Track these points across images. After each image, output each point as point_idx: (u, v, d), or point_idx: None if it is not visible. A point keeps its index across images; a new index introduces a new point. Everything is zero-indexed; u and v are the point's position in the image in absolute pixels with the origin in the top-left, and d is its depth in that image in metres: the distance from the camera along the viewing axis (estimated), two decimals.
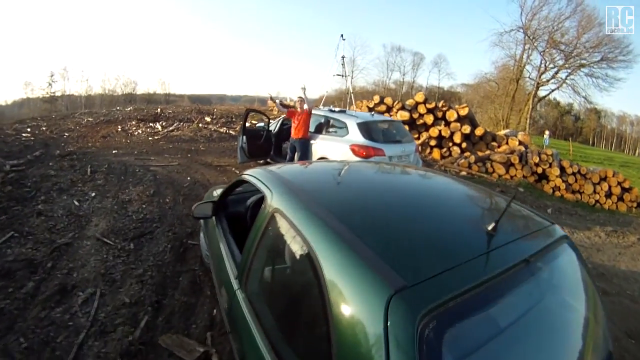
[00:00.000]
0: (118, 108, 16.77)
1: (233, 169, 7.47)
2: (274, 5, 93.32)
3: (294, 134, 6.53)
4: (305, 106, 6.39)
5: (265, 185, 1.98)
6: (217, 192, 3.28)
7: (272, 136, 7.52)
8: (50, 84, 33.35)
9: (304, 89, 6.47)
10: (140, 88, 44.28)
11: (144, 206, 5.00)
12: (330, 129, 6.54)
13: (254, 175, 2.23)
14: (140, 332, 2.74)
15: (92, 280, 3.32)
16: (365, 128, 6.06)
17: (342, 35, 11.61)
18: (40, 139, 8.71)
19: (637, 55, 26.30)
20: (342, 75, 11.85)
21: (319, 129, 6.70)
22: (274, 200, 1.78)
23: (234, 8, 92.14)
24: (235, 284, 1.96)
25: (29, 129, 9.84)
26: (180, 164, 7.37)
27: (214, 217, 2.83)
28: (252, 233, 1.89)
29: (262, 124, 8.18)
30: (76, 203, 4.89)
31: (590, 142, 52.16)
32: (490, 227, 1.37)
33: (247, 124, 7.55)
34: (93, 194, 5.27)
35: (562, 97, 32.64)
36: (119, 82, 42.64)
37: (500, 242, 1.35)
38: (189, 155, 8.48)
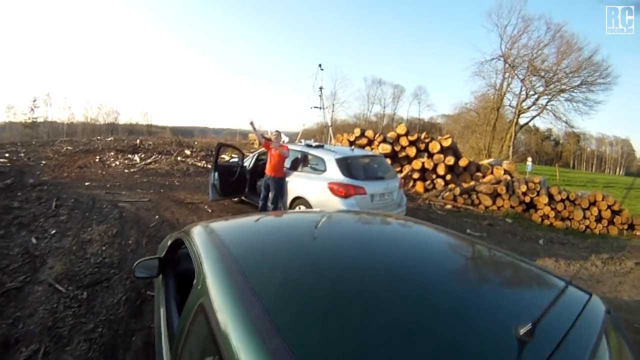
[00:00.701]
0: (99, 138, 16.59)
1: (205, 206, 7.04)
2: (259, 37, 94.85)
3: (268, 170, 6.15)
4: (283, 139, 6.09)
5: (197, 257, 1.59)
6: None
7: (247, 172, 7.13)
8: (32, 109, 32.94)
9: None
10: (122, 118, 44.14)
11: (104, 248, 4.62)
12: (307, 166, 6.12)
13: (190, 236, 1.84)
14: None
15: (38, 334, 3.00)
16: (345, 164, 5.67)
17: (320, 65, 11.46)
18: (17, 165, 8.53)
19: (617, 77, 27.08)
20: (320, 108, 11.60)
21: (295, 166, 6.29)
22: (201, 287, 1.38)
23: (218, 39, 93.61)
24: None
25: (7, 155, 9.63)
26: (151, 200, 6.95)
27: (160, 276, 2.40)
28: (181, 320, 1.49)
29: (236, 159, 7.77)
30: (34, 241, 4.60)
31: (571, 165, 53.05)
32: (523, 331, 0.90)
33: (225, 158, 7.18)
34: (53, 231, 4.97)
35: (543, 123, 33.24)
36: (101, 111, 42.56)
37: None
38: (162, 190, 8.06)
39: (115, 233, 5.11)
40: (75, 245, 4.65)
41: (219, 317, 1.13)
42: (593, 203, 10.33)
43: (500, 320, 1.05)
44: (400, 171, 11.62)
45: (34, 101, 33.57)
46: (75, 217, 5.62)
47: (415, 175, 11.51)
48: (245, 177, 7.08)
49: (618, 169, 57.68)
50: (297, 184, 5.99)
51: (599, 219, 10.29)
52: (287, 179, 6.15)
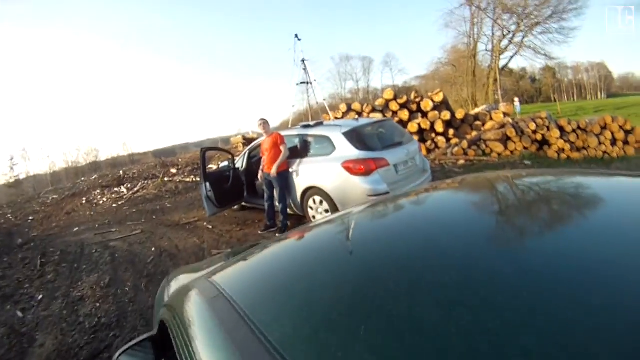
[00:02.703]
0: (83, 179, 15.83)
1: (205, 224, 6.23)
2: (218, 33, 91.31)
3: (266, 166, 5.26)
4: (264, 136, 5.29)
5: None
6: (182, 280, 1.76)
7: (241, 175, 6.27)
8: (12, 168, 31.66)
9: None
10: (103, 154, 43.06)
11: (98, 304, 3.87)
12: (311, 149, 5.23)
13: (172, 305, 1.14)
14: None
15: None
16: (355, 136, 4.82)
17: (296, 36, 10.35)
18: (4, 228, 7.90)
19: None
20: (308, 82, 10.52)
21: (296, 154, 5.36)
22: None
23: (178, 43, 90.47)
24: None
25: None
26: (144, 231, 6.18)
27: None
28: None
29: (225, 163, 6.87)
30: (20, 314, 3.90)
31: (552, 99, 52.80)
32: None
33: (212, 168, 6.27)
34: (40, 297, 4.25)
35: (525, 61, 32.69)
36: (80, 152, 41.49)
37: None
38: (154, 216, 7.27)
39: (108, 282, 4.33)
40: (66, 308, 3.89)
41: None
42: (604, 127, 9.83)
43: None
44: None
45: (12, 159, 32.31)
46: (62, 273, 4.85)
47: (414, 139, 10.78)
48: (241, 181, 6.23)
49: (599, 94, 58.01)
50: (306, 173, 5.11)
51: (613, 142, 9.80)
52: (290, 170, 5.27)
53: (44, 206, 10.00)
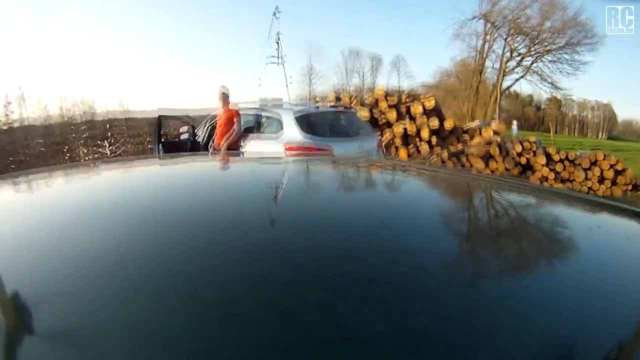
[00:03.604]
0: (74, 135, 15.43)
1: None
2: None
3: (216, 141, 5.08)
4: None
5: None
6: None
7: (201, 148, 5.83)
8: (7, 115, 30.97)
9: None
10: (99, 106, 42.30)
11: None
12: (263, 129, 5.11)
13: None
14: None
15: None
16: (306, 121, 4.72)
17: (275, 12, 9.67)
18: None
19: (603, 37, 26.00)
20: (278, 59, 9.87)
21: (249, 131, 5.18)
22: None
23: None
24: None
25: None
26: None
27: None
28: None
29: (185, 136, 6.43)
30: None
31: (553, 130, 52.31)
32: None
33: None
34: None
35: (529, 85, 32.41)
36: (76, 101, 41.02)
37: None
38: None
39: None
40: None
41: None
42: (594, 163, 9.44)
43: None
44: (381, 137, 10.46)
45: (8, 105, 31.77)
46: None
47: (398, 142, 10.39)
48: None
49: (600, 133, 57.82)
50: (253, 152, 4.85)
51: (600, 180, 9.37)
52: (241, 148, 5.02)
53: (28, 156, 10.14)
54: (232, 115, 4.98)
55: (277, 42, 9.30)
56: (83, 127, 14.62)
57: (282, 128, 4.74)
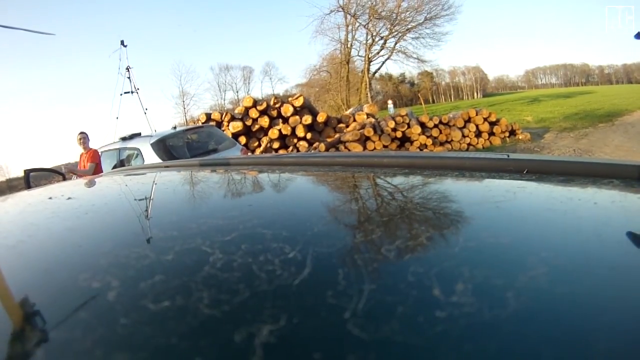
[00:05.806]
0: None
1: None
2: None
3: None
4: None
5: None
6: None
7: None
8: None
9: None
10: None
11: None
12: (127, 163, 5.16)
13: None
14: None
15: None
16: (163, 147, 4.86)
17: (122, 42, 8.78)
18: None
19: (459, 6, 27.84)
20: (132, 92, 8.98)
21: (115, 168, 4.95)
22: None
23: None
24: None
25: None
26: None
27: None
28: None
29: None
30: None
31: (430, 101, 55.35)
32: None
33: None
34: None
35: (397, 66, 33.67)
36: None
37: None
38: None
39: None
40: None
41: None
42: (468, 120, 9.49)
43: None
44: (259, 145, 10.22)
45: None
46: None
47: (276, 145, 10.01)
48: None
49: (475, 94, 62.69)
50: None
51: (478, 134, 9.44)
52: None
53: None
54: (94, 156, 4.91)
55: (129, 78, 8.48)
56: None
57: (143, 159, 4.86)
